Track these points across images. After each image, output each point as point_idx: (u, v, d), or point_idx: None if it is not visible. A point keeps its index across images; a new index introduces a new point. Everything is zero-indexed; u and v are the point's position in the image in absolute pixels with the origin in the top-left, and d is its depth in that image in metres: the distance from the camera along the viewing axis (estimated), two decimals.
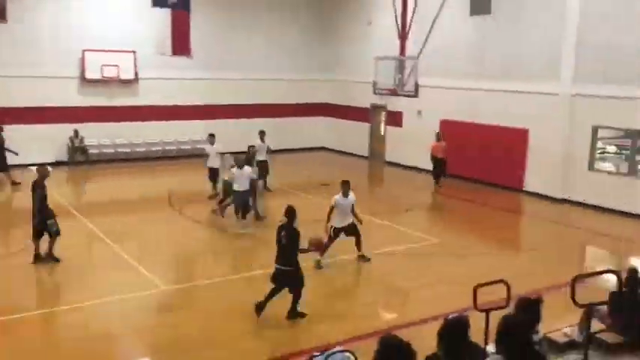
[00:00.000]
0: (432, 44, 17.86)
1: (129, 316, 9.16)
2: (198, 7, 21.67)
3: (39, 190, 10.79)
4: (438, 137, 18.09)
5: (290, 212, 8.82)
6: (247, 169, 13.33)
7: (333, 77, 25.40)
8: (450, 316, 4.18)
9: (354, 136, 24.48)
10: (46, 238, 11.01)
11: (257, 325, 8.65)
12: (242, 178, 13.08)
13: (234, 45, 23.35)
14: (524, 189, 17.84)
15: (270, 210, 14.81)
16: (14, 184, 17.15)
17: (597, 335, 6.51)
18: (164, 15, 21.23)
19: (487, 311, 6.21)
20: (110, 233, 12.87)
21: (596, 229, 14.34)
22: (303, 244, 8.81)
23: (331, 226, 11.09)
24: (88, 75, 20.70)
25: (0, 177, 17.63)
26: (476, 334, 5.43)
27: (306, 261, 9.52)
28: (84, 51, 20.48)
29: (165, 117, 22.42)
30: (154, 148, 22.32)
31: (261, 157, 16.55)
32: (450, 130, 20.04)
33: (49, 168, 11.47)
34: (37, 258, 10.92)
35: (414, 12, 18.30)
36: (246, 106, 23.82)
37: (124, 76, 21.28)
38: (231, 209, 13.70)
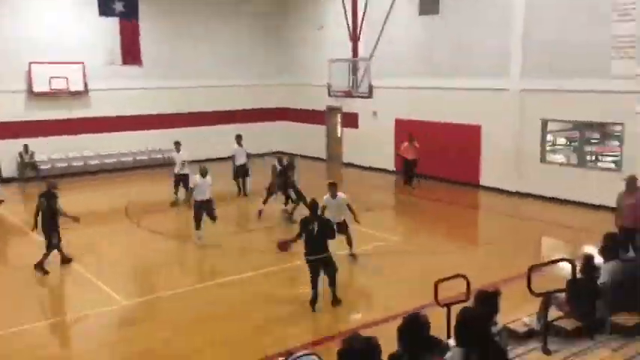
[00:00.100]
0: (383, 45, 18.05)
1: (89, 334, 8.96)
2: (147, 15, 21.34)
3: (52, 200, 11.16)
4: (410, 138, 18.12)
5: (314, 205, 9.49)
6: (209, 178, 13.15)
7: (287, 81, 25.42)
8: (409, 314, 4.23)
9: (311, 139, 24.54)
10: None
11: (220, 335, 8.58)
12: (203, 187, 12.90)
13: (187, 52, 23.10)
14: (480, 184, 18.20)
15: (245, 215, 14.72)
16: None
17: (555, 323, 6.70)
18: (112, 24, 20.84)
19: (448, 306, 6.32)
20: (67, 250, 12.53)
21: (550, 219, 14.73)
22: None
23: None
24: (36, 88, 20.16)
25: None
26: (439, 329, 5.52)
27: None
28: (30, 63, 19.93)
29: (118, 128, 22.01)
30: (108, 160, 21.88)
31: (239, 161, 17.06)
32: (405, 129, 20.29)
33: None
34: (41, 266, 11.19)
35: (364, 14, 18.45)
36: (201, 114, 23.61)
37: (73, 88, 20.81)
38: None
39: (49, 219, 11.15)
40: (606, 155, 16.83)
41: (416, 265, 11.42)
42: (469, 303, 5.53)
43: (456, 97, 18.50)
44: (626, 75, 14.52)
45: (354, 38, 19.00)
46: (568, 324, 6.73)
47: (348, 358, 3.81)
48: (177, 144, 16.85)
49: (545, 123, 16.71)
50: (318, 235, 9.18)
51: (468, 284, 6.62)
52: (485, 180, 18.13)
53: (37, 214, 11.24)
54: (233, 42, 24.24)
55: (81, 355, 8.34)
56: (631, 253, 9.16)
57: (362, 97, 17.88)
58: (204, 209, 12.93)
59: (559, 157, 17.57)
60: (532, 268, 6.47)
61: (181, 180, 16.26)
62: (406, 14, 19.44)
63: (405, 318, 4.17)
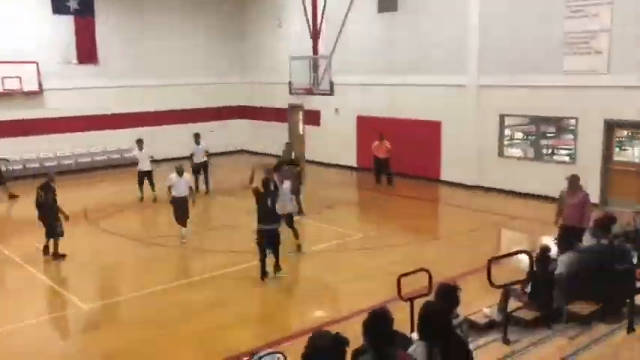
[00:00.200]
0: (343, 42, 18.11)
1: (52, 340, 8.77)
2: (103, 12, 20.98)
3: (51, 194, 11.77)
4: (381, 137, 18.04)
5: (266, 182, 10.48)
6: (186, 175, 13.30)
7: (249, 79, 25.30)
8: (372, 309, 4.28)
9: (273, 137, 24.46)
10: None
11: (185, 334, 8.51)
12: (180, 184, 12.95)
13: (145, 50, 22.73)
14: (440, 179, 18.48)
15: (205, 213, 14.59)
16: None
17: (515, 313, 6.87)
18: (67, 22, 20.40)
19: (411, 300, 6.42)
20: (24, 255, 12.24)
21: (508, 212, 15.06)
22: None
23: None
24: None
25: None
26: (403, 323, 5.60)
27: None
28: None
29: (75, 128, 21.52)
30: (65, 162, 21.39)
31: (198, 159, 17.42)
32: (367, 125, 20.46)
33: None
34: (47, 250, 11.94)
35: (323, 11, 18.49)
36: (160, 113, 23.29)
37: (27, 88, 20.26)
38: None
39: (50, 209, 11.74)
40: (561, 149, 17.29)
41: (379, 261, 11.53)
42: (431, 297, 5.62)
43: (416, 94, 18.73)
44: (578, 70, 14.97)
45: (314, 35, 19.03)
46: (527, 314, 6.92)
47: (314, 354, 3.83)
48: (140, 141, 17.10)
49: (502, 118, 17.07)
50: (272, 207, 10.37)
51: (430, 278, 6.73)
52: (445, 175, 18.42)
53: (37, 206, 11.86)
54: (193, 40, 23.97)
55: (66, 352, 8.17)
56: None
57: (323, 94, 17.91)
58: (184, 205, 13.03)
59: (516, 152, 17.97)
60: (492, 261, 6.62)
61: (145, 176, 16.85)
62: (365, 11, 19.57)
63: (368, 313, 4.22)
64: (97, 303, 9.88)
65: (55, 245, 11.91)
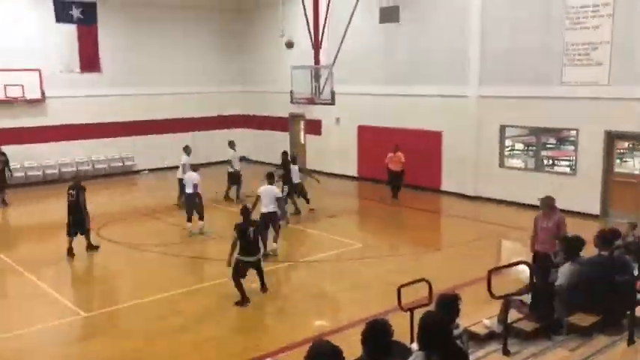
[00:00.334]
0: (345, 52, 18.16)
1: (49, 347, 8.72)
2: (106, 21, 21.07)
3: (82, 193, 12.53)
4: (395, 149, 17.69)
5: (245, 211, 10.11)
6: (192, 174, 14.54)
7: (250, 89, 25.37)
8: (370, 320, 4.27)
9: (274, 146, 24.48)
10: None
11: (183, 344, 8.49)
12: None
13: (148, 59, 22.83)
14: (441, 189, 18.48)
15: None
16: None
17: (515, 324, 6.84)
18: (70, 30, 20.49)
19: (411, 310, 6.40)
20: (23, 262, 12.23)
21: (509, 223, 15.04)
22: None
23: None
24: None
25: None
26: (403, 333, 5.59)
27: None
28: None
29: (77, 136, 21.57)
30: (66, 169, 21.42)
31: (234, 167, 17.65)
32: (368, 135, 20.51)
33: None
34: (71, 252, 12.51)
35: (325, 21, 18.56)
36: (162, 122, 23.35)
37: (29, 96, 20.33)
38: None
39: (80, 207, 12.49)
40: (562, 160, 17.32)
41: (379, 271, 11.51)
42: (431, 307, 5.61)
43: (417, 104, 18.77)
44: (578, 82, 15.01)
45: (316, 45, 19.08)
46: (527, 325, 6.88)
47: None
48: (232, 143, 18.31)
49: (503, 129, 17.09)
50: (254, 239, 10.01)
51: (430, 288, 6.72)
52: (446, 185, 18.42)
53: (69, 206, 12.58)
54: (195, 49, 24.07)
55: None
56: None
57: (324, 104, 17.94)
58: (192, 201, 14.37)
59: (517, 162, 17.98)
60: (492, 271, 6.60)
61: (236, 177, 17.74)
62: (367, 22, 19.64)
63: (367, 323, 4.21)
64: (96, 311, 9.86)
65: (87, 238, 12.76)
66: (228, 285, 10.57)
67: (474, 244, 13.33)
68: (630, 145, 15.78)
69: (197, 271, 12.14)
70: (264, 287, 10.33)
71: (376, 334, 4.08)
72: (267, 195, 12.42)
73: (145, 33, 22.79)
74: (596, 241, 7.47)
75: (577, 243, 7.32)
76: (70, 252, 12.54)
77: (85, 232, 12.78)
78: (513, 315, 6.99)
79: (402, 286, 6.75)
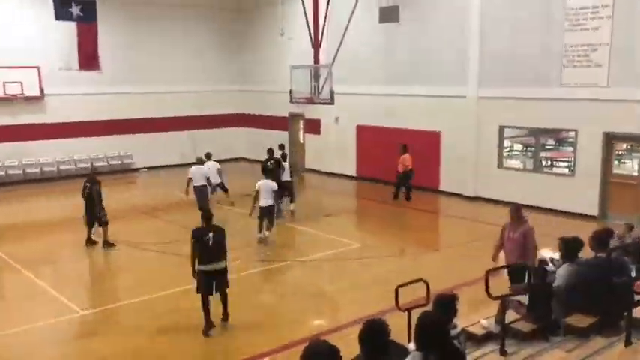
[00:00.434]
0: (345, 52, 18.17)
1: (49, 345, 8.72)
2: (105, 19, 21.05)
3: (96, 186, 12.78)
4: (404, 150, 17.49)
5: (207, 216, 8.99)
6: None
7: (249, 88, 25.36)
8: (368, 319, 4.28)
9: (272, 145, 24.43)
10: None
11: (182, 341, 8.49)
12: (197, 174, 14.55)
13: (147, 58, 22.81)
14: (440, 189, 18.48)
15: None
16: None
17: (512, 325, 6.85)
18: (69, 28, 20.47)
19: (409, 310, 6.40)
20: (22, 259, 12.22)
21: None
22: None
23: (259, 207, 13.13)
24: None
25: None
26: (400, 333, 5.60)
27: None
28: None
29: (76, 134, 21.54)
30: (65, 167, 21.40)
31: (285, 177, 15.66)
32: (367, 135, 20.52)
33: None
34: (90, 241, 13.01)
35: (325, 21, 18.56)
36: (160, 120, 23.35)
37: (28, 93, 20.30)
38: None
39: (95, 200, 12.74)
40: (561, 161, 17.34)
41: (376, 270, 11.52)
42: (429, 307, 5.62)
43: (416, 104, 18.78)
44: (577, 83, 15.02)
45: (316, 45, 19.08)
46: (524, 326, 6.89)
47: None
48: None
49: (502, 130, 17.10)
50: (214, 245, 8.67)
51: (428, 288, 6.72)
52: (444, 185, 18.43)
53: (85, 199, 12.84)
54: (194, 48, 24.06)
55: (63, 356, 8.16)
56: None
57: (324, 103, 17.95)
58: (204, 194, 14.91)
59: (516, 163, 17.99)
60: (490, 272, 6.61)
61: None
62: (367, 22, 19.64)
63: (364, 323, 4.21)
64: (95, 308, 9.85)
65: (105, 233, 12.96)
66: (236, 280, 10.57)
67: (472, 244, 13.33)
68: (629, 147, 15.80)
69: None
70: (225, 313, 8.96)
71: (374, 333, 4.09)
72: (266, 189, 13.17)
73: (145, 31, 22.78)
74: (591, 242, 7.48)
75: (575, 244, 7.33)
76: (90, 241, 13.01)
77: (103, 226, 13.03)
78: (511, 315, 7.00)
79: (400, 286, 6.75)
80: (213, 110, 24.85)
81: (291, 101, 18.96)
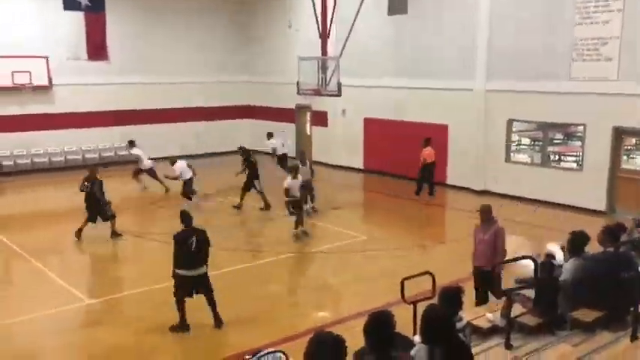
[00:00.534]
0: (352, 44, 18.09)
1: (54, 334, 8.78)
2: (113, 9, 21.03)
3: (95, 185, 12.85)
4: (427, 143, 17.22)
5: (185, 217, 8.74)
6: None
7: (256, 79, 25.32)
8: (374, 311, 4.27)
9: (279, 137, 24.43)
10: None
11: (191, 334, 8.52)
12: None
13: (153, 48, 22.79)
14: (447, 183, 18.42)
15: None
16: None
17: (518, 319, 6.83)
18: (78, 18, 20.47)
19: (414, 303, 6.40)
20: (29, 248, 12.29)
21: (514, 218, 14.96)
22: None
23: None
24: None
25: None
26: (406, 326, 5.59)
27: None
28: None
29: (83, 124, 21.59)
30: (72, 157, 21.47)
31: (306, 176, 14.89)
32: (374, 127, 20.46)
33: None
34: (78, 233, 12.90)
35: (333, 12, 18.47)
36: (168, 111, 23.37)
37: (37, 83, 20.35)
38: None
39: (94, 198, 12.85)
40: (569, 155, 17.21)
41: (382, 263, 11.52)
42: (435, 300, 5.60)
43: (424, 97, 18.70)
44: (587, 77, 14.90)
45: (324, 36, 19.00)
46: (531, 320, 6.87)
47: (315, 354, 3.83)
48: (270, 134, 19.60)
49: (510, 123, 17.01)
50: (196, 250, 8.41)
51: (434, 281, 6.71)
52: (451, 179, 18.36)
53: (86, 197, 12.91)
54: (200, 39, 24.01)
55: (46, 354, 8.20)
56: None
57: (331, 95, 17.89)
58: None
59: (524, 157, 17.89)
60: (495, 266, 6.59)
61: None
62: (375, 13, 19.53)
63: (370, 315, 4.21)
64: (101, 298, 9.90)
65: (112, 225, 13.05)
66: (232, 274, 10.60)
67: None
68: (638, 142, 15.66)
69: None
70: (216, 319, 8.64)
71: (379, 325, 4.08)
72: (294, 187, 13.23)
73: (152, 22, 22.74)
74: (602, 236, 7.42)
75: (582, 238, 7.28)
76: (79, 233, 12.87)
77: (110, 219, 13.08)
78: (517, 309, 6.98)
79: (406, 278, 6.74)
80: (220, 102, 24.82)
81: (298, 93, 18.92)
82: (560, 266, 7.33)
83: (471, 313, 6.90)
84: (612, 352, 6.16)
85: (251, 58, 25.29)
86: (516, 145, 17.91)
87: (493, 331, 6.89)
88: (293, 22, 22.81)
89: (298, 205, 13.24)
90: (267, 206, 15.44)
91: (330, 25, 18.63)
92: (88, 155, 21.71)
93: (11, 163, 20.31)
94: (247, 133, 25.59)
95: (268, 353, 4.73)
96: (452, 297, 5.02)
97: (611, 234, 7.42)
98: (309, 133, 23.60)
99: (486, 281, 8.11)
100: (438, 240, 13.94)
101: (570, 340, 6.55)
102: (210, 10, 24.13)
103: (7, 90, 19.92)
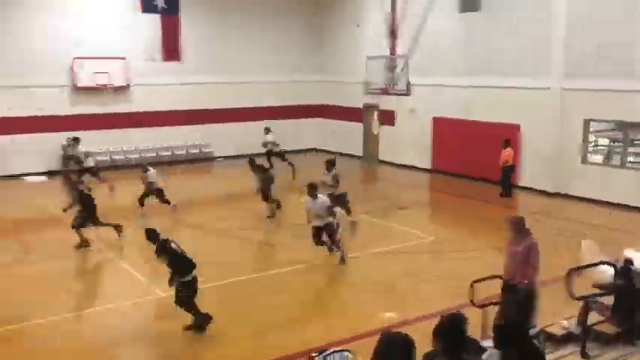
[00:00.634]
0: (422, 42, 17.90)
1: (132, 324, 9.14)
2: (188, 11, 21.68)
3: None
4: (507, 144, 16.87)
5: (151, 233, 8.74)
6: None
7: (325, 78, 25.42)
8: (446, 314, 4.20)
9: (347, 136, 24.51)
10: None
11: (260, 326, 8.66)
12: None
13: (225, 48, 23.30)
14: (519, 184, 17.89)
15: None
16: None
17: (595, 327, 6.56)
18: (154, 20, 21.24)
19: (483, 307, 6.26)
20: (107, 241, 12.85)
21: (590, 221, 14.40)
22: None
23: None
24: (80, 83, 20.65)
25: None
26: (473, 330, 5.47)
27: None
28: (74, 59, 20.41)
29: (158, 123, 22.35)
30: (147, 155, 22.26)
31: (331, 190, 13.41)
32: (443, 127, 20.14)
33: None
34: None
35: (403, 10, 18.33)
36: (237, 110, 23.83)
37: (115, 83, 21.25)
38: None
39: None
40: None
41: (450, 265, 11.32)
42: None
43: (495, 96, 18.23)
44: None
45: (393, 35, 18.89)
46: (609, 329, 6.58)
47: (384, 354, 3.80)
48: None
49: (587, 123, 16.33)
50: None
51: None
52: (523, 180, 17.82)
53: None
54: (271, 39, 24.34)
55: (127, 342, 8.53)
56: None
57: (399, 94, 17.77)
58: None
59: (600, 158, 17.15)
60: (572, 271, 6.35)
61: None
62: (446, 11, 19.21)
63: (443, 317, 4.14)
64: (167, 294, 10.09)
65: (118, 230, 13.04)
66: (309, 270, 10.64)
67: (552, 241, 12.81)
68: None
69: (271, 255, 12.33)
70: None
71: (453, 328, 4.02)
72: (314, 210, 11.14)
73: (224, 23, 23.23)
74: None
75: None
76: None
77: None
78: (593, 317, 6.70)
79: (475, 281, 6.61)
80: (289, 101, 25.05)
81: (366, 92, 18.90)
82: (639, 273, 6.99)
83: (546, 320, 6.68)
84: None
85: (324, 59, 25.31)
86: (593, 146, 17.20)
87: (568, 339, 6.65)
88: (361, 21, 22.78)
89: (331, 232, 11.14)
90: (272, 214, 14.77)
91: (399, 23, 18.49)
92: (161, 153, 22.45)
93: (107, 158, 21.32)
94: (317, 133, 25.77)
95: (335, 352, 4.74)
96: (523, 302, 4.87)
97: None
98: (375, 132, 23.50)
99: (512, 294, 7.08)
100: None
101: None
102: (285, 12, 24.42)
103: (88, 90, 20.86)
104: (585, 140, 16.47)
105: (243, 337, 8.47)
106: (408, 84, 16.95)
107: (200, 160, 22.97)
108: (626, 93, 14.98)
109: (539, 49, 16.88)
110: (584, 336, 6.19)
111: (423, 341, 4.23)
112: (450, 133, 19.75)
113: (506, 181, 16.94)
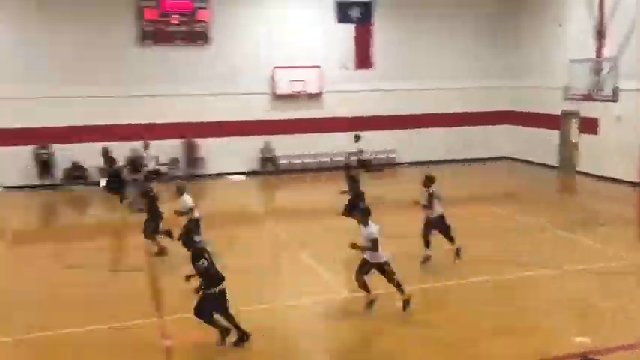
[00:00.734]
0: (634, 43, 16.10)
1: (312, 322, 9.48)
2: (381, 19, 22.09)
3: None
4: None
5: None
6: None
7: (514, 84, 24.16)
8: None
9: (538, 144, 23.05)
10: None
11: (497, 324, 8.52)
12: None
13: (417, 54, 23.33)
14: None
15: None
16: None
17: None
18: (348, 30, 22.01)
19: None
20: (295, 238, 13.56)
21: None
22: None
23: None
24: (278, 90, 22.15)
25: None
26: None
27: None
28: (274, 68, 21.94)
29: (347, 128, 23.04)
30: (337, 159, 23.01)
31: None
32: None
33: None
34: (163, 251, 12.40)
35: (612, 8, 16.66)
36: (423, 116, 23.66)
37: (310, 90, 22.41)
38: None
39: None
40: None
41: None
42: None
43: None
44: None
45: (599, 36, 17.31)
46: None
47: None
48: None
49: None
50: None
51: None
52: None
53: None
54: (460, 45, 23.80)
55: (313, 338, 8.92)
56: None
57: (605, 100, 16.22)
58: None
59: None
60: None
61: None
62: None
63: None
64: (351, 294, 10.18)
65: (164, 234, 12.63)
66: (478, 285, 10.25)
67: None
68: None
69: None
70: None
71: None
72: (367, 240, 9.34)
73: (413, 29, 23.24)
74: None
75: None
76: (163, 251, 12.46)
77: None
78: None
79: None
80: (477, 107, 24.27)
81: (565, 98, 17.59)
82: None
83: None
84: None
85: (517, 61, 24.13)
86: None
87: None
88: (563, 20, 21.26)
89: (381, 268, 9.33)
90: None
91: (608, 22, 16.90)
92: (351, 158, 23.09)
93: (286, 162, 22.69)
94: (505, 140, 24.66)
95: None
96: None
97: None
98: (574, 140, 21.75)
99: None
100: None
101: None
102: (471, 12, 23.76)
103: (285, 97, 22.27)
104: None
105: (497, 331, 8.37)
106: (616, 89, 15.37)
107: (387, 166, 23.22)
108: None
109: None
110: None
111: None
112: None
113: None
